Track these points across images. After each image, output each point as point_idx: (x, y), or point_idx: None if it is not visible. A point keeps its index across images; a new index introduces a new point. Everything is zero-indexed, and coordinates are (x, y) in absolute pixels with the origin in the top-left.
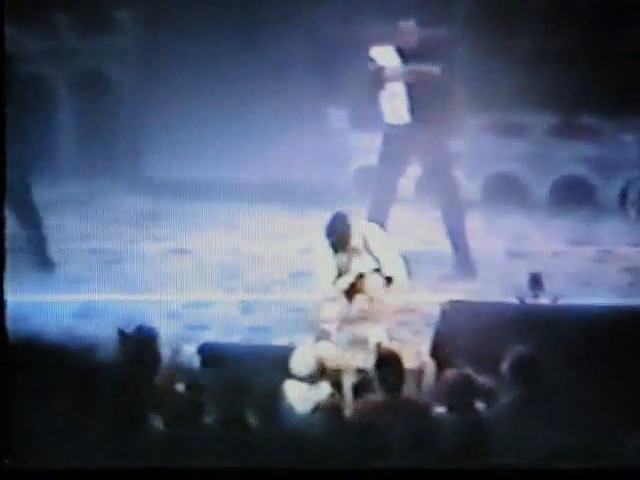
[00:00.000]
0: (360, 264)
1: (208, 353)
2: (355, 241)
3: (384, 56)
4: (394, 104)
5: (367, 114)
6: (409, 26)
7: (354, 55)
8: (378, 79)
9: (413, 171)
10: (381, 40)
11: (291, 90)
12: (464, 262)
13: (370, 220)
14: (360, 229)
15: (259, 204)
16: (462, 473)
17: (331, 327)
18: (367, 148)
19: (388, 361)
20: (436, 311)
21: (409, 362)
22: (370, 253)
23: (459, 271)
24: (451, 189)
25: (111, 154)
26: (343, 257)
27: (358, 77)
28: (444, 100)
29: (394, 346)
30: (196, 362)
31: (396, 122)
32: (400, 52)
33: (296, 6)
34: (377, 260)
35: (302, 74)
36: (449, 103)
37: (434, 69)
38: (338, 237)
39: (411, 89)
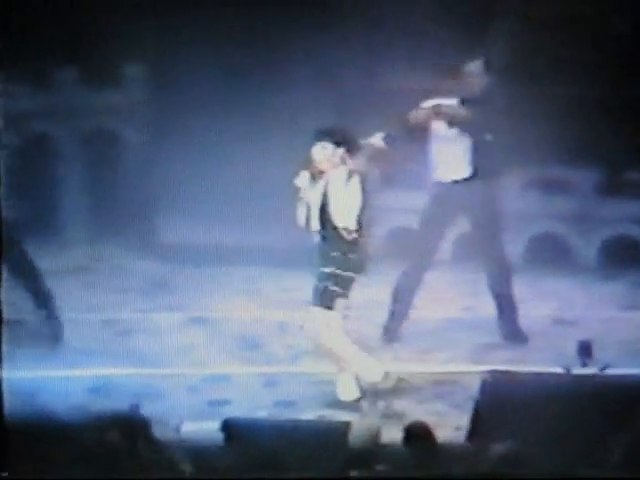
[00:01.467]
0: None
1: (232, 430)
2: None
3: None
4: (449, 159)
5: (399, 172)
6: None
7: (385, 107)
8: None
9: (452, 232)
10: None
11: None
12: (512, 329)
13: (403, 284)
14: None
15: (281, 269)
16: None
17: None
18: (400, 208)
19: (418, 436)
20: (477, 382)
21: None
22: (324, 194)
23: (507, 339)
24: (499, 251)
25: (120, 217)
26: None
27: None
28: (494, 155)
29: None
30: (220, 439)
31: (450, 179)
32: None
33: (318, 59)
34: (325, 204)
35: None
36: (498, 159)
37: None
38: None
39: (474, 142)
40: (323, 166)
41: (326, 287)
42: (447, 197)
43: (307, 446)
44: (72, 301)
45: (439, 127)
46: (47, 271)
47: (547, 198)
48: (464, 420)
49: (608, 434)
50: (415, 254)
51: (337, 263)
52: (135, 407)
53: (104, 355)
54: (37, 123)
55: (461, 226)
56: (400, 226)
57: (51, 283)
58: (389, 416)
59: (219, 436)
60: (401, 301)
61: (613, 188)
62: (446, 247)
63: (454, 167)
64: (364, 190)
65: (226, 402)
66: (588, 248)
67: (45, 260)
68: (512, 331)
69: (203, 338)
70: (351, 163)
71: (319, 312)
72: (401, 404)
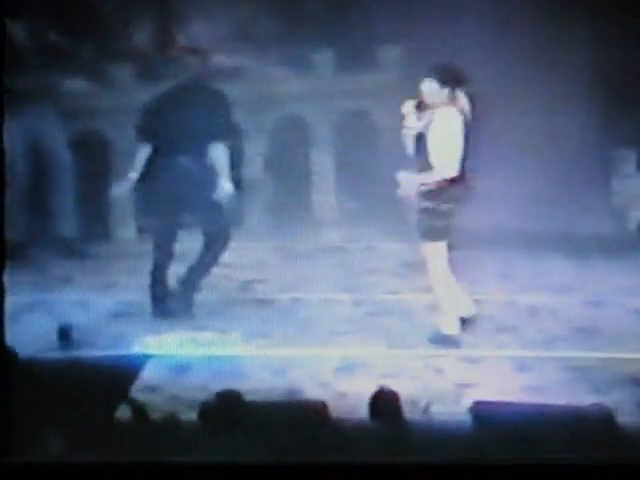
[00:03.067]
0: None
1: (480, 412)
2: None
3: None
4: None
5: None
6: None
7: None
8: None
9: None
10: None
11: (575, 131)
12: None
13: None
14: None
15: (536, 252)
16: None
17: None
18: None
19: None
20: None
21: None
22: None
23: None
24: None
25: (370, 199)
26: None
27: None
28: None
29: None
30: (467, 423)
31: None
32: None
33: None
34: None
35: (586, 114)
36: None
37: None
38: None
39: None
40: (429, 101)
41: (425, 221)
42: None
43: (557, 431)
44: (325, 281)
45: None
46: (301, 251)
47: None
48: None
49: None
50: None
51: (431, 197)
52: None
53: (354, 335)
54: (295, 105)
55: None
56: None
57: (304, 263)
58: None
59: (467, 418)
60: None
61: None
62: None
63: None
64: (466, 135)
65: (475, 385)
66: None
67: (299, 240)
68: None
69: None
70: (458, 104)
71: (427, 247)
72: None
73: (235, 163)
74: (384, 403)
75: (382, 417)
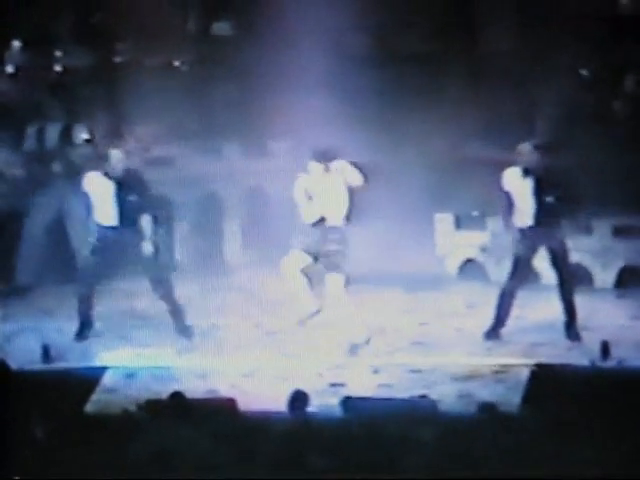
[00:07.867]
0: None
1: (348, 404)
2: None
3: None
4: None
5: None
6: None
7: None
8: None
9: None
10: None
11: (407, 199)
12: (573, 330)
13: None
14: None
15: (383, 288)
16: None
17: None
18: (470, 244)
19: None
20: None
21: None
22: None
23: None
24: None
25: (267, 250)
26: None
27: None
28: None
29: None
30: (339, 412)
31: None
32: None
33: None
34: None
35: (411, 188)
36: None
37: None
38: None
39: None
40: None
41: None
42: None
43: (401, 418)
44: (233, 310)
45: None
46: (217, 287)
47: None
48: None
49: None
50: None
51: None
52: None
53: (255, 348)
54: (210, 184)
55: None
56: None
57: (219, 297)
58: (462, 396)
59: (338, 409)
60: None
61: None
62: None
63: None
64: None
65: (344, 385)
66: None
67: (215, 279)
68: (572, 332)
69: (323, 339)
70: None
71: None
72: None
73: (159, 228)
74: (299, 400)
75: (295, 409)
